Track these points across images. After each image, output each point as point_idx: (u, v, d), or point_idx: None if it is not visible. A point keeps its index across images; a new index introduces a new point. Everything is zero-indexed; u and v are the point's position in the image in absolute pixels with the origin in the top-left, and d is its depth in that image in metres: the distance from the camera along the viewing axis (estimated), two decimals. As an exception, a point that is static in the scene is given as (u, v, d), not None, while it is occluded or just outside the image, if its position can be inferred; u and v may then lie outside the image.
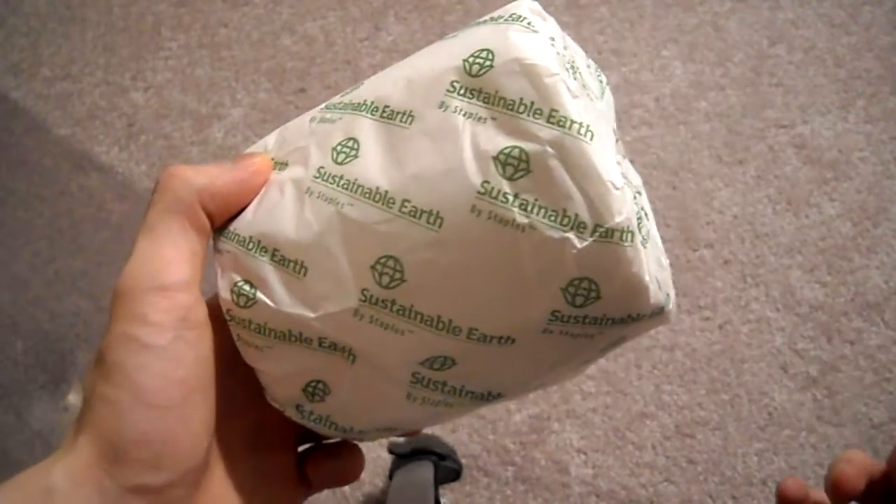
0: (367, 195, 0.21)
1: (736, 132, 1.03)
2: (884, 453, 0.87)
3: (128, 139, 1.10)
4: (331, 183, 0.22)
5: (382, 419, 0.25)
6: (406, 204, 0.21)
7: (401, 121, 0.22)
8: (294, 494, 0.27)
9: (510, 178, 0.20)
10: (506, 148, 0.20)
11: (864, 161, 1.00)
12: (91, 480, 0.20)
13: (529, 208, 0.20)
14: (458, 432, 0.89)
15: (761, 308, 0.93)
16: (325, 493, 0.88)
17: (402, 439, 0.85)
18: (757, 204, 0.99)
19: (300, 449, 0.27)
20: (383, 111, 0.22)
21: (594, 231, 0.20)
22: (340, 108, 0.24)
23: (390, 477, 0.83)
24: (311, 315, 0.22)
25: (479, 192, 0.20)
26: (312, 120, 0.25)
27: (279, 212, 0.23)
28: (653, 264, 0.22)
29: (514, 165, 0.20)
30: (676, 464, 0.87)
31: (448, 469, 0.84)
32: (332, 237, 0.22)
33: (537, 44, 0.21)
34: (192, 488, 0.21)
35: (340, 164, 0.22)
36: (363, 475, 0.88)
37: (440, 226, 0.20)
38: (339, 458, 0.27)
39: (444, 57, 0.22)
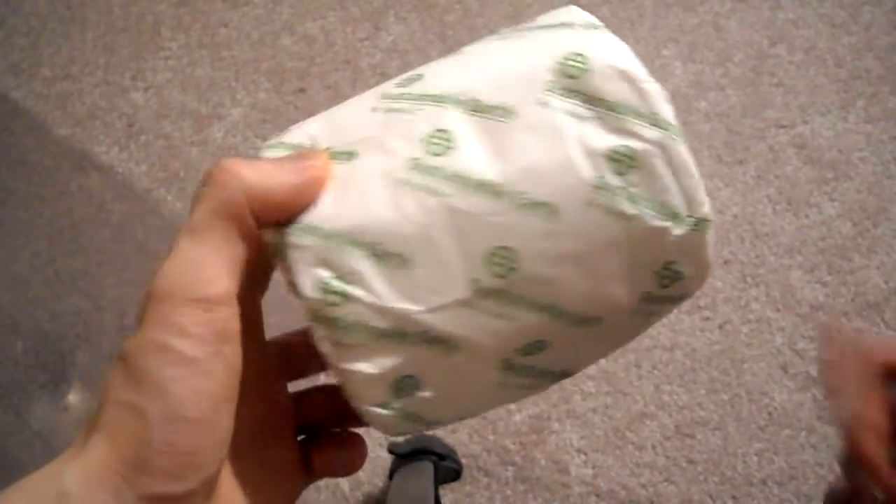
0: (477, 187, 0.22)
1: (736, 132, 1.03)
2: (884, 453, 0.87)
3: (128, 139, 1.10)
4: (430, 174, 0.22)
5: (470, 409, 0.25)
6: (520, 196, 0.22)
7: (498, 116, 0.23)
8: (297, 485, 0.27)
9: (619, 174, 0.22)
10: (615, 146, 0.22)
11: (864, 161, 1.00)
12: (107, 486, 0.19)
13: (636, 200, 0.22)
14: (458, 432, 0.89)
15: (761, 308, 0.93)
16: (325, 493, 0.88)
17: (401, 439, 0.85)
18: (757, 204, 0.99)
19: (299, 438, 0.27)
20: (474, 105, 0.23)
21: (688, 220, 0.23)
22: (412, 99, 0.24)
23: (390, 477, 0.83)
24: (417, 308, 0.22)
25: (594, 186, 0.22)
26: (374, 110, 0.24)
27: (370, 204, 0.22)
28: None
29: (623, 162, 0.22)
30: (676, 464, 0.87)
31: (448, 469, 0.84)
32: (438, 229, 0.22)
33: (627, 51, 0.24)
34: (209, 495, 0.21)
35: (436, 155, 0.22)
36: (363, 475, 0.88)
37: (556, 217, 0.22)
38: (346, 448, 0.27)
39: (529, 56, 0.23)
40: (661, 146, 0.23)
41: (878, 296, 0.93)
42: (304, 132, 0.24)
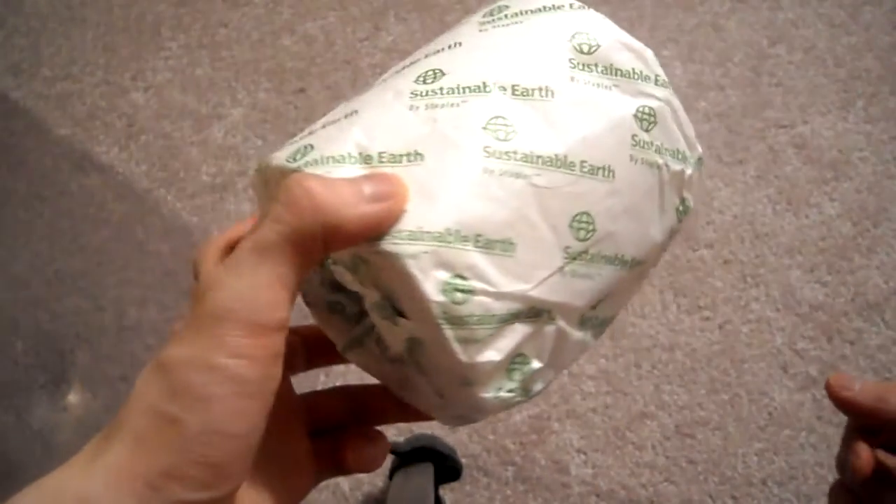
0: (550, 163, 0.24)
1: (736, 132, 1.03)
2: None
3: (128, 139, 1.10)
4: (508, 159, 0.23)
5: (559, 371, 0.27)
6: (584, 164, 0.24)
7: (540, 95, 0.24)
8: (309, 480, 0.27)
9: (646, 130, 0.26)
10: (639, 106, 0.26)
11: (864, 161, 1.00)
12: (132, 491, 0.19)
13: (661, 151, 0.26)
14: (458, 432, 0.89)
15: (761, 308, 0.93)
16: (325, 493, 0.88)
17: (401, 439, 0.85)
18: (757, 204, 0.99)
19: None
20: (515, 89, 0.24)
21: (692, 160, 0.28)
22: (450, 93, 0.24)
23: (390, 477, 0.83)
24: (528, 286, 0.23)
25: (632, 144, 0.25)
26: (413, 108, 0.24)
27: (463, 197, 0.22)
28: None
29: (648, 119, 0.26)
30: (676, 464, 0.87)
31: (448, 469, 0.84)
32: (530, 208, 0.23)
33: (615, 26, 0.27)
34: (231, 499, 0.21)
35: (504, 140, 0.23)
36: (363, 475, 0.88)
37: (613, 176, 0.25)
38: (376, 444, 0.28)
39: (543, 39, 0.26)
40: (667, 102, 0.27)
41: (878, 296, 0.93)
42: (349, 141, 0.23)
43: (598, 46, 0.26)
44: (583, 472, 0.87)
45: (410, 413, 0.28)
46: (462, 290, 0.22)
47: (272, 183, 0.25)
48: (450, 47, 0.26)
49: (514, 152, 0.23)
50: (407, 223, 0.22)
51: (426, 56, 0.26)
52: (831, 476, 0.86)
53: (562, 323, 0.25)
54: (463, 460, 0.88)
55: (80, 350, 0.98)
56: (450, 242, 0.22)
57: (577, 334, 0.26)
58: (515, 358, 0.24)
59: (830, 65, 1.07)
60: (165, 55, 1.15)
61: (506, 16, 0.26)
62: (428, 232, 0.22)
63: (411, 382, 0.26)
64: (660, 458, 0.88)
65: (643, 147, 0.26)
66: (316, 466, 0.28)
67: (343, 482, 0.88)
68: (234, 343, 0.20)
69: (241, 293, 0.20)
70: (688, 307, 0.94)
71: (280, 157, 0.24)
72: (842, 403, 0.34)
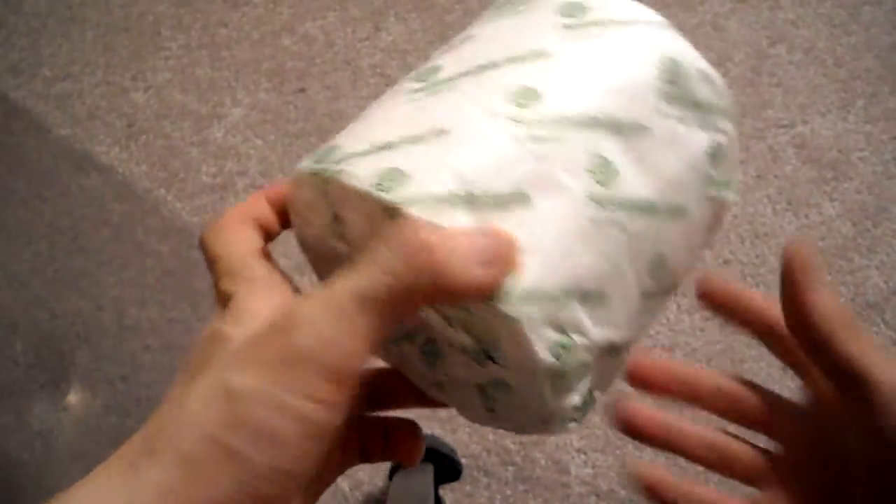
0: (642, 209, 0.24)
1: (736, 132, 1.03)
2: (884, 453, 0.87)
3: (128, 139, 1.10)
4: (609, 207, 0.23)
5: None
6: (668, 206, 0.24)
7: (635, 133, 0.24)
8: (336, 474, 0.28)
9: (715, 167, 0.26)
10: (712, 143, 0.26)
11: (864, 161, 1.01)
12: None
13: (724, 185, 0.27)
14: (457, 432, 0.89)
15: (761, 308, 0.93)
16: (325, 492, 0.88)
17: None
18: (757, 204, 0.99)
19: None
20: (613, 125, 0.24)
21: (736, 186, 0.28)
22: (554, 126, 0.23)
23: (390, 477, 0.83)
24: (618, 333, 0.24)
25: (706, 182, 0.26)
26: (515, 139, 0.22)
27: (576, 252, 0.22)
28: None
29: (717, 156, 0.26)
30: (676, 464, 0.87)
31: (448, 469, 0.84)
32: (622, 257, 0.23)
33: (693, 50, 0.26)
34: None
35: (605, 185, 0.23)
36: (363, 475, 0.88)
37: (687, 215, 0.25)
38: (419, 435, 0.29)
39: (630, 63, 0.25)
40: (733, 137, 0.27)
41: (878, 296, 0.93)
42: (449, 173, 0.22)
43: (683, 77, 0.25)
44: (583, 472, 0.87)
45: (426, 401, 0.28)
46: (565, 347, 0.22)
47: (344, 201, 0.23)
48: (535, 55, 0.24)
49: (614, 199, 0.23)
50: (521, 281, 0.21)
51: (508, 59, 0.24)
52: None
53: (626, 355, 0.26)
54: (463, 460, 0.88)
55: (80, 350, 0.98)
56: (561, 301, 0.22)
57: (627, 360, 0.27)
58: (589, 392, 0.25)
59: (830, 65, 1.07)
60: (165, 55, 1.15)
61: (591, 22, 0.25)
62: (543, 291, 0.21)
63: (462, 396, 0.26)
64: (660, 458, 0.88)
65: (714, 184, 0.26)
66: (341, 459, 0.28)
67: (343, 482, 0.88)
68: (311, 386, 0.19)
69: (332, 339, 0.20)
70: (688, 307, 0.94)
71: (364, 179, 0.22)
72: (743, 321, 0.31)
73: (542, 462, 0.88)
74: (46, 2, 1.22)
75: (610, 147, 0.23)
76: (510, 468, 0.88)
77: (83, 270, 1.02)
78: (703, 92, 0.25)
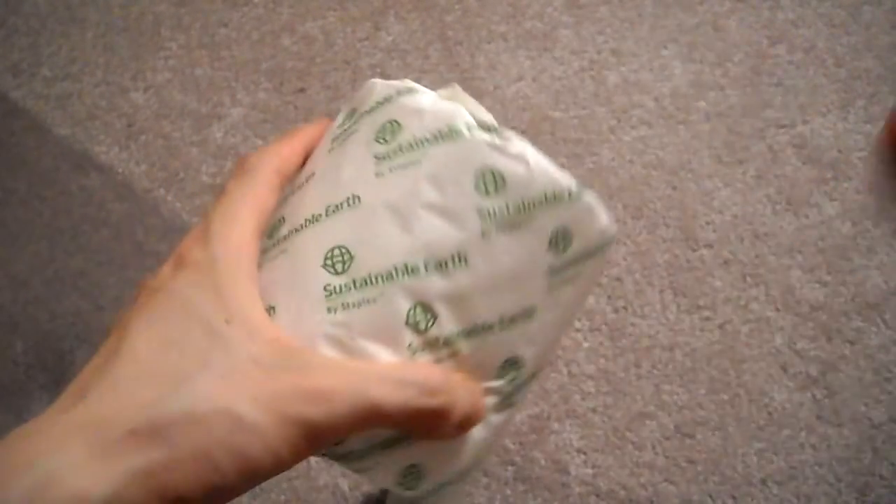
0: (473, 333, 0.25)
1: (736, 132, 1.03)
2: (884, 453, 0.87)
3: (128, 139, 1.10)
4: (436, 351, 0.25)
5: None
6: (506, 318, 0.26)
7: (456, 264, 0.24)
8: None
9: (561, 251, 0.26)
10: (552, 234, 0.25)
11: (864, 161, 1.00)
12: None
13: (588, 255, 0.27)
14: (457, 432, 0.89)
15: (761, 308, 0.93)
16: (325, 492, 0.88)
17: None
18: (757, 204, 0.99)
19: None
20: (433, 265, 0.24)
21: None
22: (365, 288, 0.25)
23: (390, 477, 0.83)
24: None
25: (554, 273, 0.26)
26: (331, 313, 0.24)
27: None
28: None
29: (560, 240, 0.26)
30: (676, 464, 0.87)
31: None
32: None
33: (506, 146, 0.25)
34: None
35: (426, 330, 0.25)
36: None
37: (538, 312, 0.26)
38: None
39: (450, 192, 0.24)
40: (582, 205, 0.26)
41: (877, 296, 0.93)
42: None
43: (501, 182, 0.25)
44: (583, 472, 0.87)
45: None
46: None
47: None
48: (349, 202, 0.24)
49: (439, 341, 0.24)
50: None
51: (327, 209, 0.24)
52: (831, 476, 0.86)
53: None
54: (463, 460, 0.88)
55: (80, 350, 0.98)
56: None
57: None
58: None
59: (830, 65, 1.07)
60: (165, 55, 1.15)
61: (400, 148, 0.24)
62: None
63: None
64: (659, 457, 0.88)
65: (565, 268, 0.26)
66: None
67: (343, 482, 0.88)
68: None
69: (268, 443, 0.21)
70: (688, 307, 0.94)
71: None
72: None
73: (542, 462, 0.88)
74: (46, 2, 1.22)
75: (431, 287, 0.23)
76: (510, 468, 0.88)
77: (83, 270, 1.02)
78: (525, 187, 0.23)
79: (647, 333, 0.93)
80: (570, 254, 0.25)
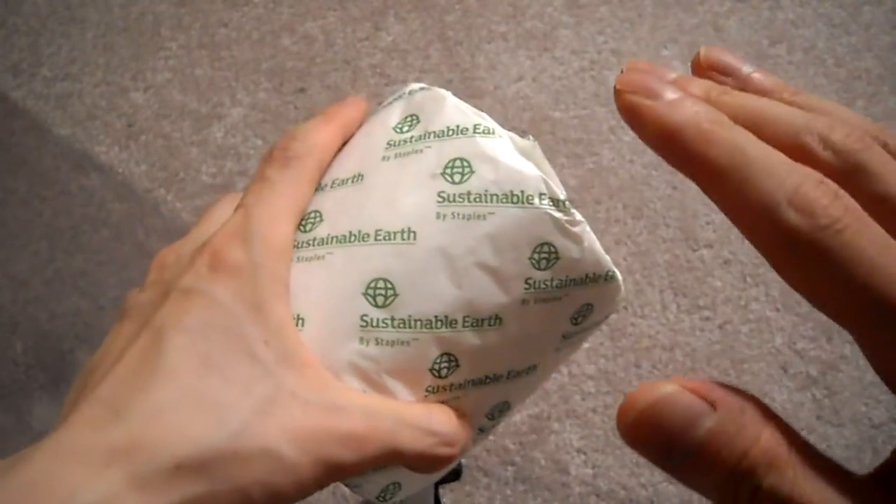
0: (481, 383, 0.26)
1: (736, 132, 1.03)
2: (884, 453, 0.87)
3: (128, 139, 1.10)
4: (443, 392, 0.26)
5: None
6: (513, 373, 0.26)
7: (492, 323, 0.24)
8: None
9: (579, 322, 0.27)
10: (574, 311, 0.26)
11: (864, 161, 1.00)
12: None
13: (595, 322, 0.28)
14: (458, 432, 0.89)
15: (761, 308, 0.93)
16: (325, 492, 0.88)
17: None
18: (757, 204, 0.99)
19: None
20: (471, 321, 0.25)
21: None
22: (401, 330, 0.25)
23: (390, 477, 0.83)
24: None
25: (564, 339, 0.27)
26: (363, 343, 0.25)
27: None
28: None
29: (580, 316, 0.26)
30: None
31: (448, 469, 0.84)
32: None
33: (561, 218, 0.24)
34: None
35: (446, 377, 0.25)
36: (363, 475, 0.88)
37: (539, 369, 0.27)
38: None
39: (505, 256, 0.23)
40: (609, 286, 0.27)
41: (877, 296, 0.93)
42: None
43: (549, 252, 0.24)
44: (583, 472, 0.87)
45: None
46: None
47: None
48: (403, 234, 0.24)
49: (452, 385, 0.25)
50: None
51: (376, 233, 0.24)
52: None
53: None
54: (463, 460, 0.88)
55: (80, 350, 0.98)
56: None
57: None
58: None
59: (830, 65, 1.07)
60: (165, 55, 1.15)
61: (466, 194, 0.24)
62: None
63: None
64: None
65: (574, 335, 0.27)
66: None
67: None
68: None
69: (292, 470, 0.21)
70: (688, 307, 0.94)
71: None
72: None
73: (542, 462, 0.88)
74: (46, 2, 1.22)
75: (462, 341, 0.23)
76: (510, 468, 0.88)
77: (83, 270, 1.02)
78: (573, 267, 0.23)
79: (647, 333, 0.93)
80: (585, 324, 0.25)
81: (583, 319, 0.25)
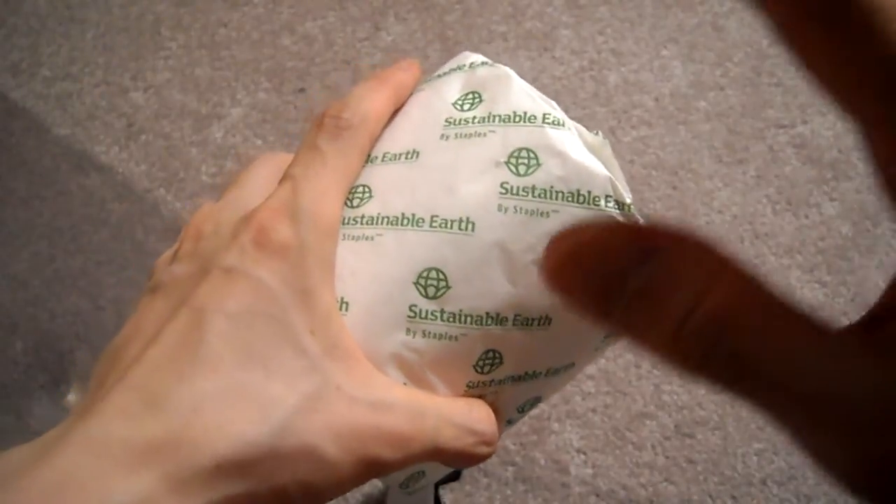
0: (520, 379, 0.26)
1: (736, 132, 1.03)
2: (884, 453, 0.87)
3: (128, 139, 1.10)
4: (481, 386, 0.26)
5: None
6: (552, 370, 0.26)
7: (540, 323, 0.25)
8: None
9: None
10: None
11: (864, 161, 1.00)
12: None
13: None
14: (457, 432, 0.89)
15: (761, 308, 0.93)
16: (325, 493, 0.88)
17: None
18: (757, 204, 0.99)
19: None
20: (520, 321, 0.25)
21: None
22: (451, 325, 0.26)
23: (390, 477, 0.83)
24: None
25: (603, 341, 0.26)
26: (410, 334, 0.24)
27: None
28: None
29: None
30: (676, 464, 0.87)
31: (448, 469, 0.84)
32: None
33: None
34: None
35: (489, 373, 0.25)
36: (363, 475, 0.88)
37: (574, 367, 0.27)
38: None
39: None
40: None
41: (877, 296, 0.93)
42: None
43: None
44: (583, 472, 0.87)
45: None
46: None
47: None
48: (460, 223, 0.22)
49: (494, 380, 0.25)
50: None
51: (432, 218, 0.22)
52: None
53: None
54: (463, 460, 0.88)
55: (80, 350, 0.98)
56: None
57: None
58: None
59: (830, 65, 1.07)
60: (165, 55, 1.15)
61: (528, 188, 0.22)
62: None
63: None
64: (660, 457, 0.88)
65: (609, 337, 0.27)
66: None
67: (343, 482, 0.88)
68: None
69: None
70: (688, 307, 0.94)
71: None
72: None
73: (542, 462, 0.88)
74: (46, 2, 1.22)
75: (510, 339, 0.23)
76: (510, 468, 0.88)
77: (83, 270, 1.02)
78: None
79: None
80: None
81: None
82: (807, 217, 0.98)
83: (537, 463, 0.88)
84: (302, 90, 1.11)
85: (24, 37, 1.20)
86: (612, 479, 0.87)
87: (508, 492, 0.87)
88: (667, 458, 0.88)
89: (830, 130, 1.02)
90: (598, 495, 0.87)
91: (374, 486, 0.88)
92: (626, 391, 0.90)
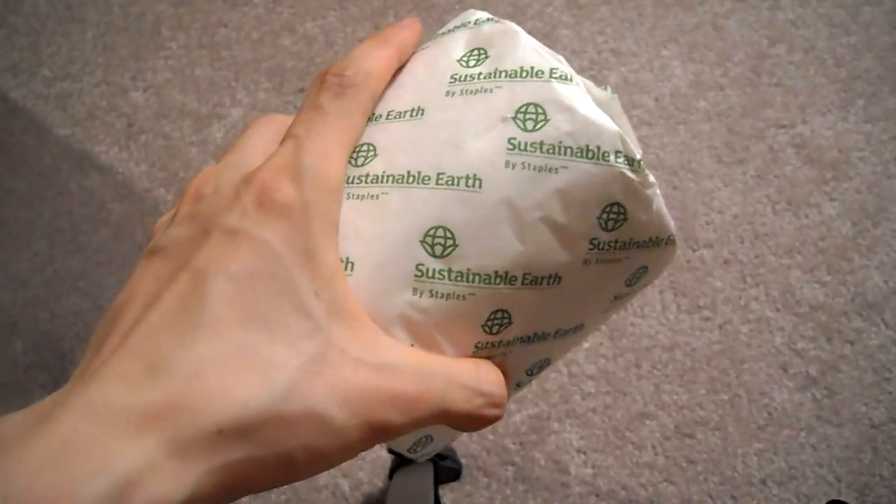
0: (529, 340, 0.25)
1: (736, 132, 1.03)
2: (884, 453, 0.87)
3: (128, 139, 1.10)
4: (490, 347, 0.26)
5: None
6: (561, 332, 0.26)
7: (550, 282, 0.24)
8: None
9: (631, 285, 0.26)
10: (630, 275, 0.25)
11: (864, 161, 1.00)
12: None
13: (643, 284, 0.27)
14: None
15: (761, 308, 0.93)
16: (325, 492, 0.88)
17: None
18: (757, 204, 0.99)
19: None
20: (530, 279, 0.24)
21: None
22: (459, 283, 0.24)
23: (390, 477, 0.83)
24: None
25: (614, 299, 0.26)
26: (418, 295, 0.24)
27: None
28: None
29: (634, 280, 0.26)
30: (676, 464, 0.87)
31: (448, 469, 0.84)
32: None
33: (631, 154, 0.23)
34: None
35: (497, 333, 0.26)
36: (363, 475, 0.88)
37: (584, 328, 0.26)
38: None
39: (573, 213, 0.22)
40: (666, 251, 0.26)
41: (877, 296, 0.93)
42: None
43: (621, 215, 0.23)
44: (582, 472, 0.87)
45: None
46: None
47: None
48: (467, 180, 0.22)
49: (502, 342, 0.24)
50: None
51: (438, 176, 0.22)
52: (831, 476, 0.86)
53: None
54: (463, 460, 0.88)
55: (80, 350, 0.98)
56: None
57: None
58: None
59: (830, 65, 1.07)
60: (165, 55, 1.15)
61: (541, 145, 0.22)
62: None
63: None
64: (659, 457, 0.88)
65: (624, 296, 0.26)
66: None
67: (343, 482, 0.88)
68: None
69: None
70: (688, 307, 0.94)
71: None
72: None
73: (542, 462, 0.88)
74: (46, 2, 1.22)
75: (519, 299, 0.22)
76: (510, 468, 0.88)
77: (83, 270, 1.02)
78: (639, 230, 0.22)
79: (647, 333, 0.93)
80: (637, 286, 0.25)
81: (636, 281, 0.24)
82: (807, 217, 0.98)
83: (537, 463, 0.88)
84: (302, 90, 1.11)
85: (24, 37, 1.20)
86: (612, 479, 0.87)
87: (508, 492, 0.87)
88: (667, 458, 0.88)
89: (830, 130, 1.02)
90: (598, 495, 0.87)
91: (374, 485, 0.88)
92: (626, 391, 0.90)
